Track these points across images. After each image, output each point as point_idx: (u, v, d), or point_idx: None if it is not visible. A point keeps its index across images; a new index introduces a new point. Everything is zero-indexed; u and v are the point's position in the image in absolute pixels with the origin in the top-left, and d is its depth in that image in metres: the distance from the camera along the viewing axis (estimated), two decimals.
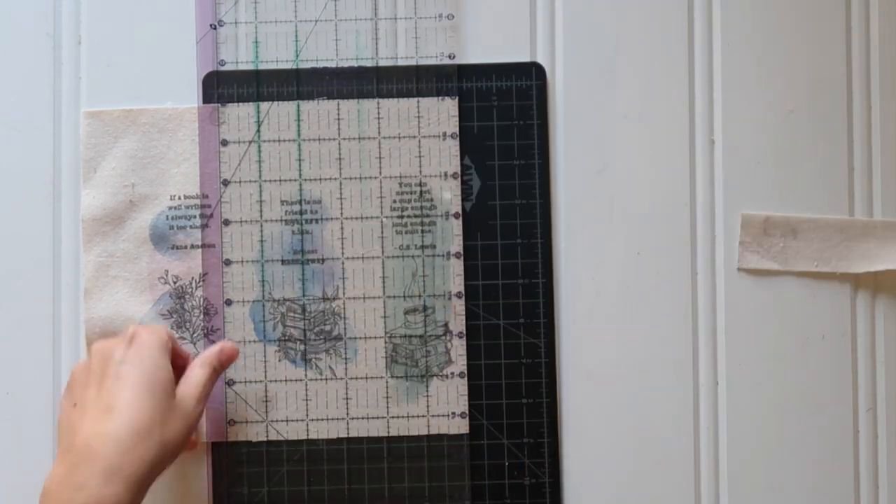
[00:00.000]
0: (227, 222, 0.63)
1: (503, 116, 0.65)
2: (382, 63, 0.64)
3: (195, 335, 0.64)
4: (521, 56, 0.65)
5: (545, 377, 0.64)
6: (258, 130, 0.63)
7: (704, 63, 0.66)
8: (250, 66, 0.64)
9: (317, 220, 0.64)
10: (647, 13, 0.66)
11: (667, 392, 0.65)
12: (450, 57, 0.65)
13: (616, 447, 0.65)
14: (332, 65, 0.64)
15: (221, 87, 0.64)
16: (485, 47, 0.65)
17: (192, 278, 0.64)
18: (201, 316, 0.64)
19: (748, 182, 0.66)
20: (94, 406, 0.54)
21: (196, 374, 0.58)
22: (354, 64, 0.64)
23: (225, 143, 0.64)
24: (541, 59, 0.65)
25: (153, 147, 0.64)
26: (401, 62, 0.65)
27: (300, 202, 0.64)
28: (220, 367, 0.60)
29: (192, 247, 0.64)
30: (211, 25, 0.64)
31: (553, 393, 0.65)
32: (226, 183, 0.63)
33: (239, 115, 0.64)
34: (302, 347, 0.64)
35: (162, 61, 0.64)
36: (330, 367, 0.64)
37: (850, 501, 0.65)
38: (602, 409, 0.65)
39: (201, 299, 0.64)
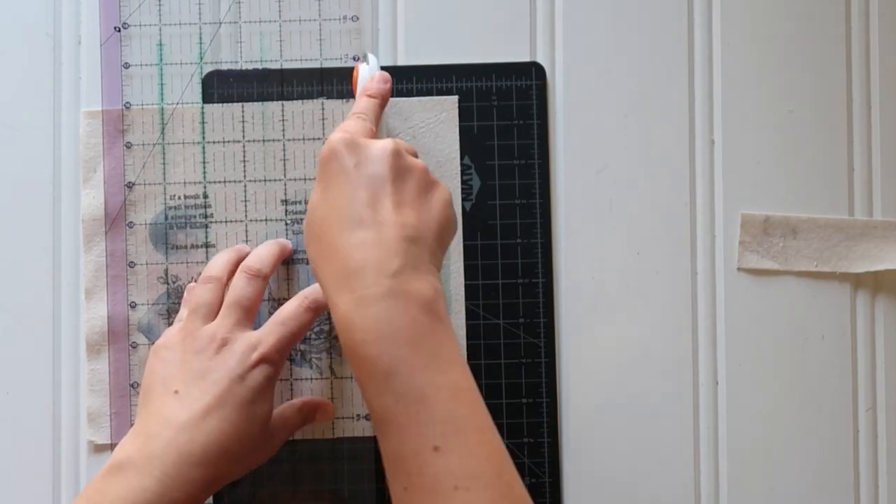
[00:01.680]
0: (131, 224, 0.63)
1: (503, 116, 0.65)
2: (287, 65, 0.64)
3: None
4: (521, 56, 0.65)
5: (545, 377, 0.64)
6: (162, 133, 0.63)
7: (704, 63, 0.66)
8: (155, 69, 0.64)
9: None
10: (647, 13, 0.66)
11: (667, 392, 0.65)
12: (354, 59, 0.64)
13: (616, 447, 0.65)
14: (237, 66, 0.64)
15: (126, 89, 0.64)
16: (485, 47, 0.65)
17: (192, 278, 0.64)
18: None
19: (748, 182, 0.66)
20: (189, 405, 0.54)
21: (294, 422, 0.60)
22: (259, 66, 0.64)
23: (129, 145, 0.64)
24: (541, 59, 0.65)
25: (153, 146, 0.64)
26: (305, 64, 0.64)
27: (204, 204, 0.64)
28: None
29: (192, 247, 0.64)
30: (115, 28, 0.64)
31: (553, 393, 0.65)
32: (130, 186, 0.63)
33: (143, 119, 0.64)
34: (302, 347, 0.64)
35: (163, 60, 0.65)
36: (330, 367, 0.64)
37: (850, 501, 0.65)
38: (602, 409, 0.65)
39: None
